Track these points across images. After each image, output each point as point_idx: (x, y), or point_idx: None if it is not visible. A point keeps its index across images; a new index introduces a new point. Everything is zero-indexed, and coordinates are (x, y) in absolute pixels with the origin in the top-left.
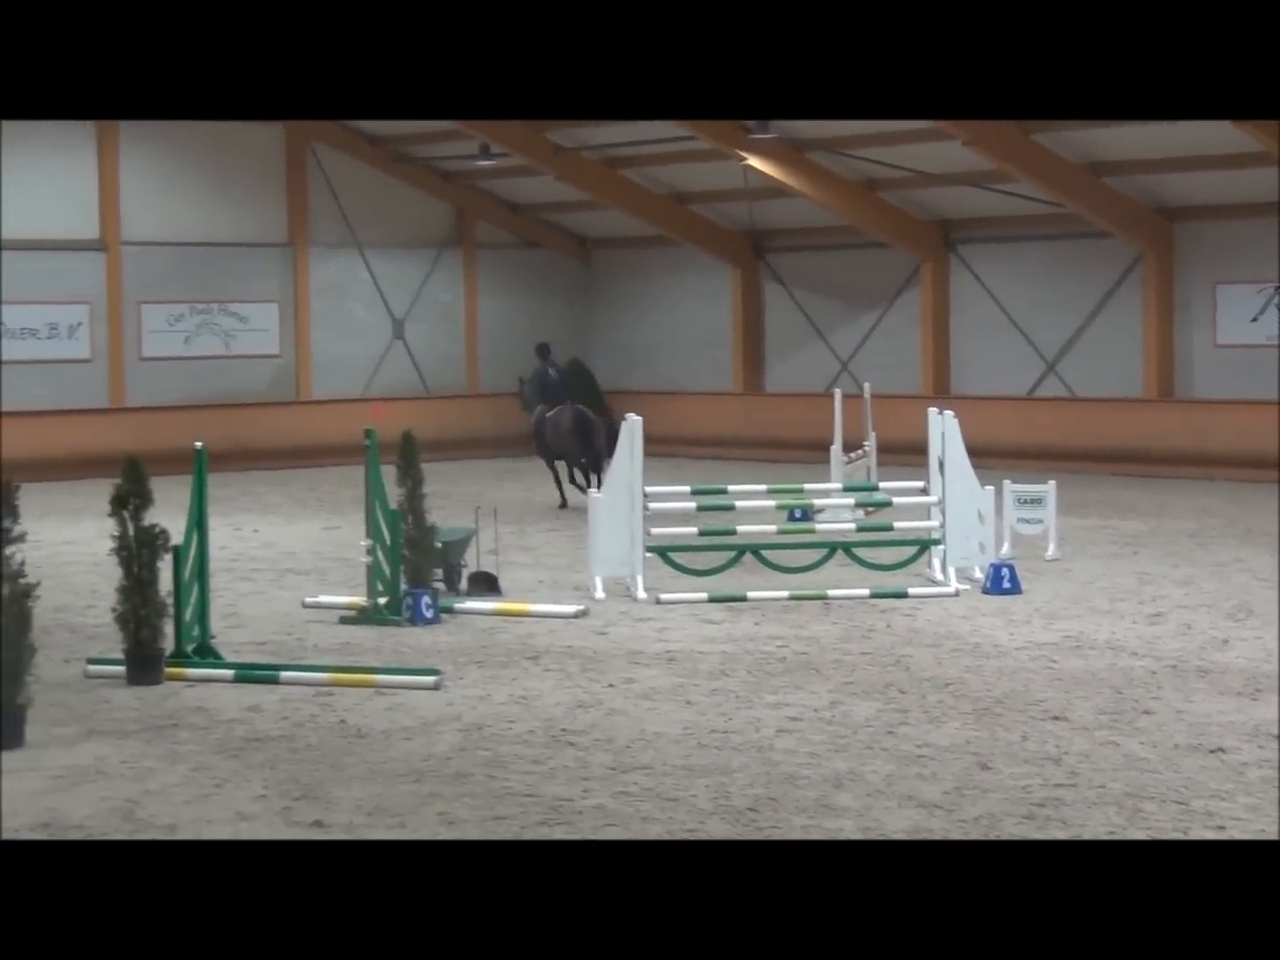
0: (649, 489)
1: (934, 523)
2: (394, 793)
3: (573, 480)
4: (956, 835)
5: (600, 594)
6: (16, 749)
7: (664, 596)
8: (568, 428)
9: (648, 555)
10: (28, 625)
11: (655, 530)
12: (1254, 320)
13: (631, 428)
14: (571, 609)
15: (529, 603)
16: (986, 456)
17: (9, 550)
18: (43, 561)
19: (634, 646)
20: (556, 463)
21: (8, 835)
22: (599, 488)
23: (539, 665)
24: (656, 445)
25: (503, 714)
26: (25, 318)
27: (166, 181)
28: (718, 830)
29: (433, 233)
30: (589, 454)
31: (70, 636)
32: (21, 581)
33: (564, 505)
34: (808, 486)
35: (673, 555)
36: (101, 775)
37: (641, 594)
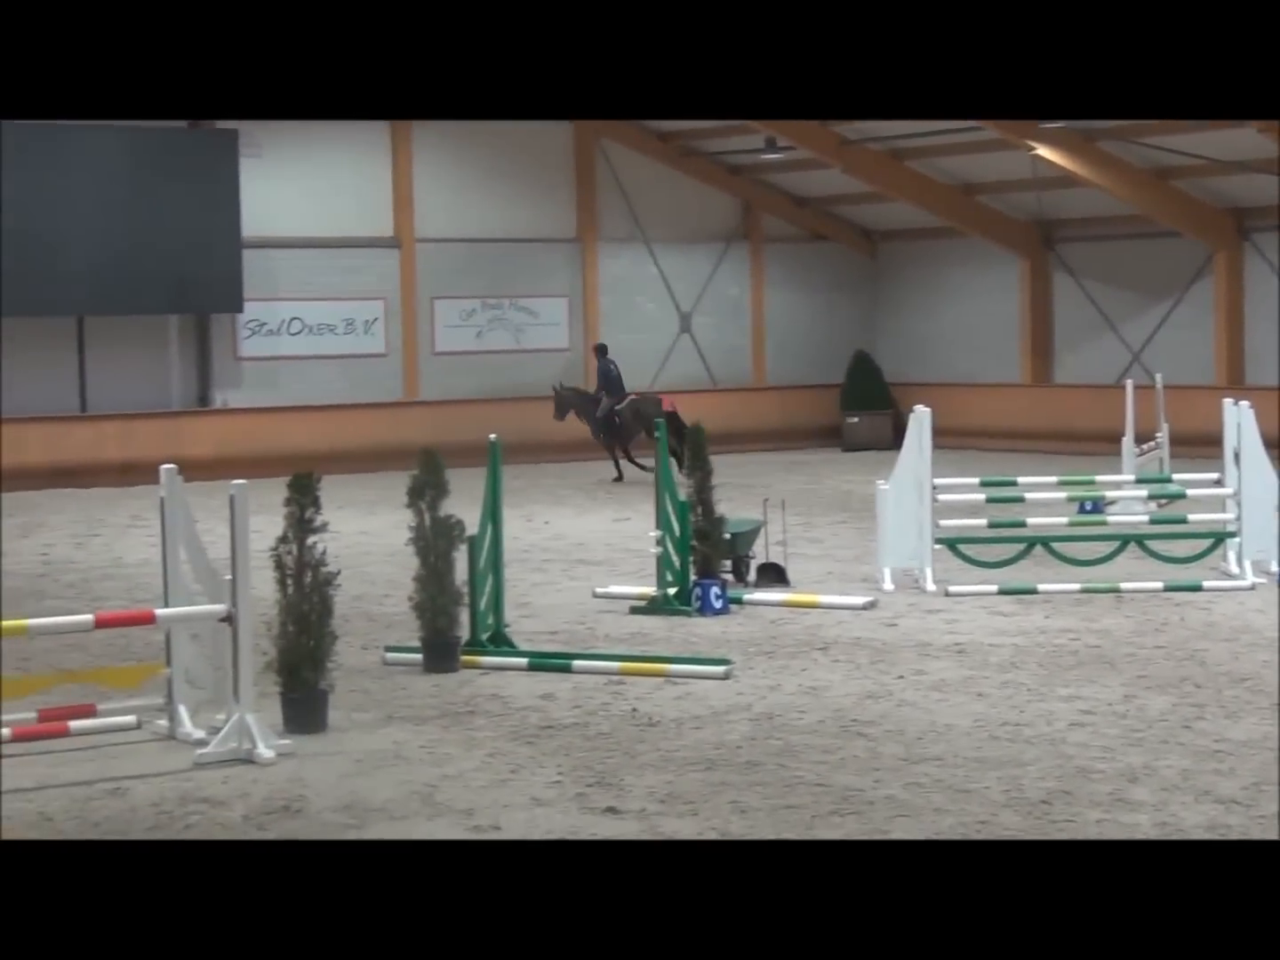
0: (938, 481)
1: (1229, 515)
2: (685, 780)
3: (632, 461)
4: (1255, 832)
5: (889, 586)
6: (319, 733)
7: (953, 588)
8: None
9: (936, 547)
10: (329, 613)
11: (944, 522)
12: None
13: (920, 419)
14: (860, 600)
15: (817, 594)
16: None
17: (311, 539)
18: (341, 551)
19: (923, 638)
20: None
21: (310, 817)
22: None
23: (828, 656)
24: (944, 437)
25: (792, 704)
26: (323, 314)
27: (458, 180)
28: (1010, 822)
29: (719, 227)
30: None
31: (369, 624)
32: (323, 570)
33: (620, 479)
34: (1099, 478)
35: (962, 547)
36: (401, 759)
37: (930, 586)
